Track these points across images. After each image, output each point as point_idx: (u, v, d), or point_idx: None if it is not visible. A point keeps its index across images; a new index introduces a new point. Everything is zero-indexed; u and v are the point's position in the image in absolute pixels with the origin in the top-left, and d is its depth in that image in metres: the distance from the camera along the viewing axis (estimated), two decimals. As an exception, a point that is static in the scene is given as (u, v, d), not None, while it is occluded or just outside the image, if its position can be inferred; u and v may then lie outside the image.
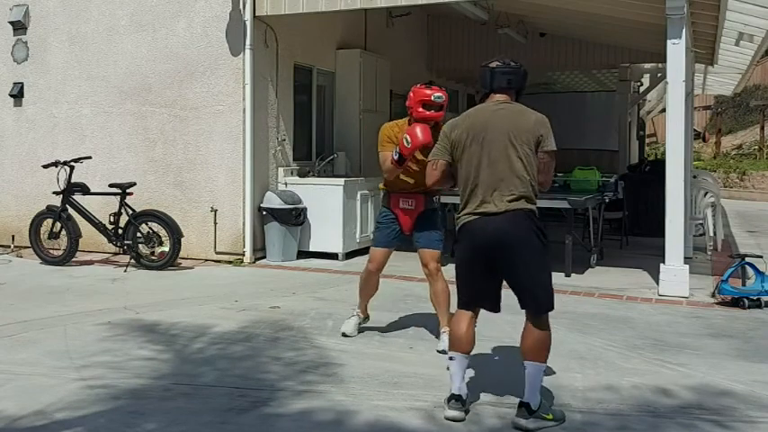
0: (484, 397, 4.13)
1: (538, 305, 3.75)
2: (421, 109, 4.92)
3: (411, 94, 4.97)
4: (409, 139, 4.77)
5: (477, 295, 3.86)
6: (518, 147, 3.70)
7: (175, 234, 8.18)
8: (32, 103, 9.79)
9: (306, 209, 8.92)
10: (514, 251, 3.68)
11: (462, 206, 3.88)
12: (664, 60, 7.24)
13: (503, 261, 3.73)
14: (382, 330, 5.60)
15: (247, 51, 8.55)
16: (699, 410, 3.97)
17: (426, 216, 5.15)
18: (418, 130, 4.77)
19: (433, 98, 4.90)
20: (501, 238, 3.68)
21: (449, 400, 3.80)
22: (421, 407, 3.97)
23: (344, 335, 5.32)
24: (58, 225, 8.62)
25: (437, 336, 5.14)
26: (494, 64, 3.94)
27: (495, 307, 3.90)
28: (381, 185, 5.26)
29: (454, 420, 3.73)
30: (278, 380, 4.43)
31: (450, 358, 3.86)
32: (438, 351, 4.86)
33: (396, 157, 4.88)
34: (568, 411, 3.92)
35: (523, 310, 3.80)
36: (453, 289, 4.14)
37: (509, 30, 11.56)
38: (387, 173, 5.06)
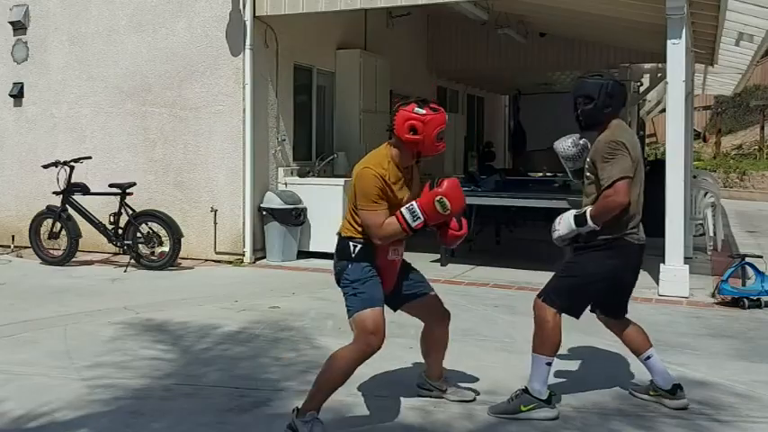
0: (480, 395, 4.12)
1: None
2: (436, 142, 3.59)
3: (416, 123, 3.53)
4: (448, 205, 3.50)
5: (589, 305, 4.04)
6: None
7: (175, 234, 8.18)
8: (32, 103, 9.79)
9: (306, 209, 8.92)
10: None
11: (627, 223, 3.82)
12: (664, 60, 7.25)
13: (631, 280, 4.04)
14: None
15: (247, 51, 8.55)
16: (699, 410, 3.97)
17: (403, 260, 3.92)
18: (455, 190, 3.55)
19: (446, 124, 3.64)
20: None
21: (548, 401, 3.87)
22: (421, 407, 3.97)
23: None
24: (58, 225, 8.62)
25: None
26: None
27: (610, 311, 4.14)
28: (350, 232, 3.66)
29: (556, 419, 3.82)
30: (278, 380, 4.43)
31: (549, 363, 3.89)
32: (467, 401, 4.08)
33: (414, 223, 3.53)
34: (568, 410, 3.92)
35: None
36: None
37: (509, 30, 11.56)
38: (384, 239, 3.58)
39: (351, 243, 3.64)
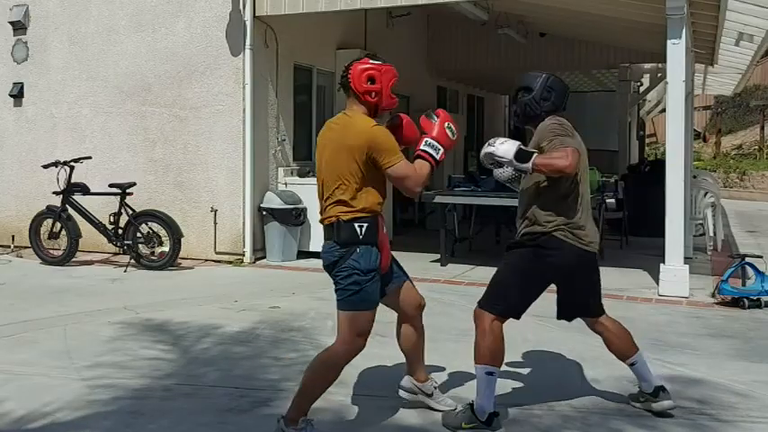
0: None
1: None
2: (392, 95, 3.58)
3: (373, 72, 3.49)
4: (454, 129, 3.60)
5: (527, 306, 3.76)
6: None
7: (175, 234, 8.18)
8: (32, 103, 9.79)
9: (306, 209, 8.91)
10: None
11: (563, 219, 3.66)
12: (664, 60, 7.24)
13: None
14: (382, 330, 5.59)
15: (247, 51, 8.55)
16: (699, 410, 3.97)
17: None
18: (450, 118, 3.64)
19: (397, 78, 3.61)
20: None
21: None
22: (421, 407, 3.96)
23: None
24: (58, 225, 8.62)
25: (432, 338, 5.10)
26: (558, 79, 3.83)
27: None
28: (351, 214, 3.44)
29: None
30: (278, 380, 4.43)
31: (490, 373, 3.62)
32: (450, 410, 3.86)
33: (438, 155, 3.51)
34: (568, 410, 3.92)
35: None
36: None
37: (509, 30, 11.56)
38: (424, 183, 3.53)
39: (356, 225, 3.42)
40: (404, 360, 3.94)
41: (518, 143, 3.60)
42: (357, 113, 3.53)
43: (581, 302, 3.85)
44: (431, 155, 3.49)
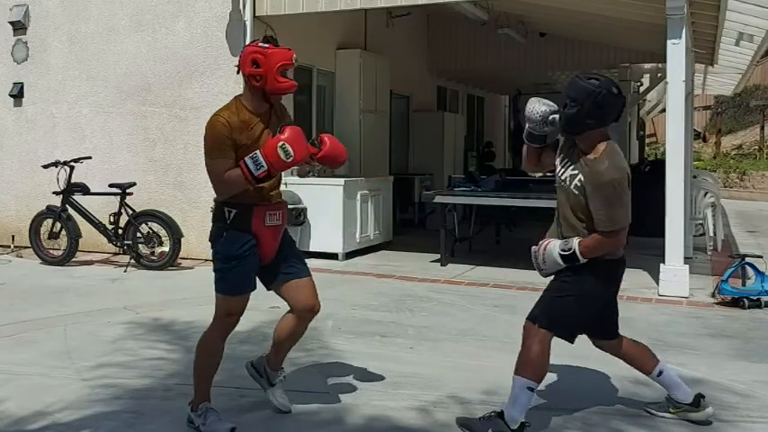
0: (479, 396, 4.12)
1: None
2: (281, 78, 3.47)
3: (257, 56, 3.44)
4: (291, 152, 3.36)
5: (583, 327, 3.73)
6: None
7: (175, 234, 8.18)
8: (32, 103, 9.79)
9: (306, 209, 8.91)
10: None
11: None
12: (664, 60, 7.25)
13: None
14: (382, 330, 5.60)
15: (247, 51, 8.54)
16: (699, 410, 3.97)
17: (286, 234, 3.78)
18: (298, 137, 3.40)
19: (294, 62, 3.52)
20: None
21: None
22: (421, 407, 3.97)
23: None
24: (58, 225, 8.61)
25: (432, 338, 5.12)
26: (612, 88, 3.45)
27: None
28: (220, 198, 3.61)
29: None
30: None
31: (531, 389, 3.55)
32: (282, 411, 3.88)
33: (257, 172, 3.38)
34: (568, 410, 3.92)
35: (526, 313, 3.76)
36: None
37: (509, 30, 11.56)
38: (227, 188, 3.52)
39: (225, 209, 3.56)
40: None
41: (556, 248, 3.53)
42: (234, 99, 3.60)
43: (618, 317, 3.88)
44: (248, 167, 3.38)
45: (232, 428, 3.57)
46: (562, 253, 3.50)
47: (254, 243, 3.56)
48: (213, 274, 3.65)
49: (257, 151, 3.40)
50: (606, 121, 3.48)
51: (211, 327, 3.68)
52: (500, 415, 3.52)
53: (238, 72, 3.58)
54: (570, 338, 3.65)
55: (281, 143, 3.36)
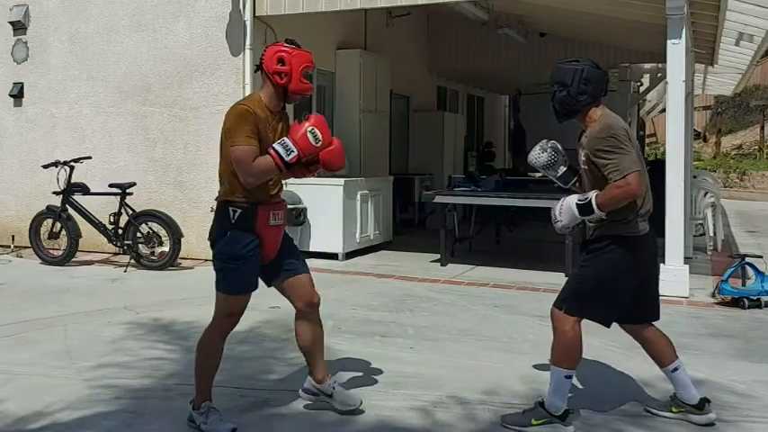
0: (479, 396, 4.12)
1: None
2: (303, 79, 3.56)
3: (284, 54, 3.52)
4: (320, 136, 3.47)
5: (617, 310, 3.66)
6: None
7: (175, 234, 8.18)
8: (32, 103, 9.79)
9: (306, 209, 8.92)
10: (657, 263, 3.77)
11: (638, 217, 3.57)
12: (664, 60, 7.25)
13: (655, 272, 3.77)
14: (382, 330, 5.60)
15: (247, 51, 8.55)
16: (699, 410, 3.97)
17: (285, 233, 3.80)
18: (323, 123, 3.53)
19: (312, 65, 3.63)
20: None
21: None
22: (421, 407, 3.97)
23: None
24: (58, 225, 8.62)
25: (432, 338, 5.12)
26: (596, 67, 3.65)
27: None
28: (228, 194, 3.58)
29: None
30: (278, 380, 4.43)
31: (569, 376, 3.63)
32: (352, 409, 3.85)
33: (288, 157, 3.43)
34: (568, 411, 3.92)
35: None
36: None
37: (509, 30, 11.56)
38: (256, 177, 3.46)
39: (230, 208, 3.54)
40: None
41: (573, 200, 3.56)
42: (253, 94, 3.66)
43: (658, 297, 3.86)
44: (278, 153, 3.42)
45: (233, 429, 3.58)
46: (578, 202, 3.55)
47: (258, 243, 3.56)
48: (214, 273, 3.64)
49: (285, 138, 3.47)
50: (596, 95, 3.62)
51: (211, 327, 3.69)
52: (541, 404, 3.64)
53: (257, 71, 3.62)
54: (604, 322, 3.68)
55: (309, 128, 3.44)
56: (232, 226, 3.55)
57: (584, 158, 3.63)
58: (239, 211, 3.53)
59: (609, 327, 3.70)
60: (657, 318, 3.83)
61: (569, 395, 3.66)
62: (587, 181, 3.68)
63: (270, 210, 3.59)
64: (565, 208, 3.62)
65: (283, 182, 3.76)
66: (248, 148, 3.42)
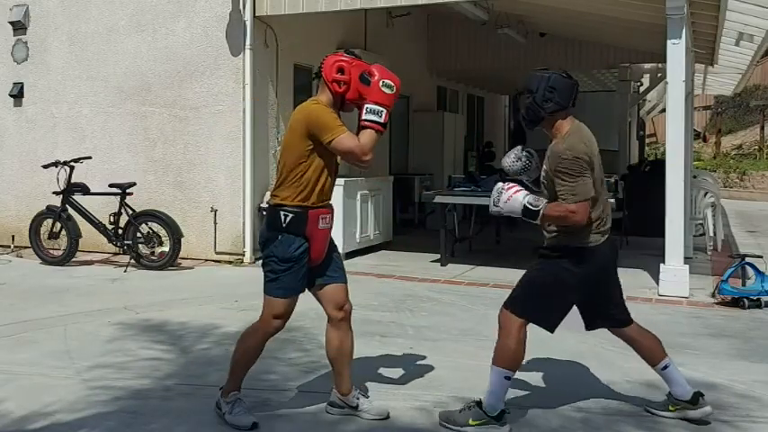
0: (479, 395, 4.12)
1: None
2: (383, 89, 3.56)
3: (344, 63, 3.66)
4: (392, 84, 3.55)
5: (563, 316, 3.70)
6: None
7: (175, 234, 8.18)
8: (32, 103, 9.79)
9: (306, 209, 8.90)
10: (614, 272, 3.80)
11: (592, 231, 3.59)
12: (664, 60, 7.25)
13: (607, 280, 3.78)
14: (382, 330, 5.60)
15: (247, 51, 8.55)
16: (699, 410, 3.97)
17: (331, 238, 3.78)
18: (385, 69, 3.63)
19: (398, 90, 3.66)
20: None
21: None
22: (421, 407, 3.97)
23: None
24: (58, 225, 8.62)
25: (432, 338, 5.12)
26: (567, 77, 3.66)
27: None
28: (279, 200, 3.59)
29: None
30: (278, 380, 4.43)
31: (508, 378, 3.64)
32: (381, 419, 3.80)
33: (382, 118, 3.51)
34: (570, 410, 3.92)
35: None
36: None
37: (509, 30, 11.55)
38: (371, 151, 3.50)
39: (282, 212, 3.56)
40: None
41: (524, 197, 3.55)
42: (313, 98, 3.68)
43: (620, 303, 3.91)
44: (374, 121, 3.49)
45: (254, 423, 3.62)
46: (528, 206, 3.54)
47: (307, 246, 3.60)
48: (263, 276, 3.65)
49: (367, 104, 3.52)
50: (562, 102, 3.60)
51: (257, 326, 3.72)
52: (479, 404, 3.63)
53: (314, 78, 3.66)
54: (548, 327, 3.67)
55: (381, 82, 3.51)
56: (283, 229, 3.57)
57: (544, 173, 3.64)
58: (291, 215, 3.56)
59: (552, 333, 3.70)
60: (628, 323, 3.85)
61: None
62: (546, 189, 3.70)
63: (319, 214, 3.61)
64: (512, 201, 3.59)
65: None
66: (348, 134, 3.48)
